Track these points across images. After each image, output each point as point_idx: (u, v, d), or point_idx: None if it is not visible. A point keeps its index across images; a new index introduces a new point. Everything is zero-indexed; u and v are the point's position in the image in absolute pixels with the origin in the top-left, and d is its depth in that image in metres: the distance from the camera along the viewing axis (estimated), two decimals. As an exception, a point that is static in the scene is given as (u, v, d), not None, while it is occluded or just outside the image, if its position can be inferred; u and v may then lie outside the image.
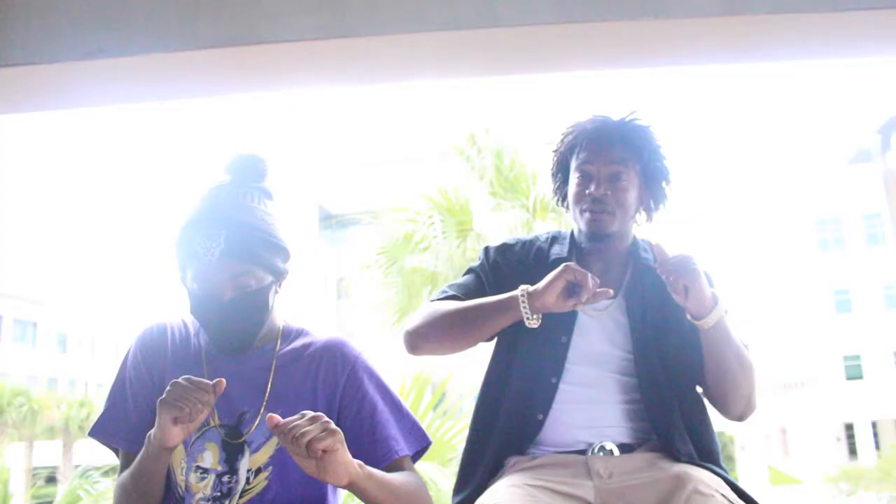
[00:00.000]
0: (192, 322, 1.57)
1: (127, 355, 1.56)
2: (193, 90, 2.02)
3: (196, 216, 1.43)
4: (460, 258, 7.92)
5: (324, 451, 1.21)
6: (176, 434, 1.30)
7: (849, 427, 31.88)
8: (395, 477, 1.43)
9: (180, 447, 1.42)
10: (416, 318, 1.69)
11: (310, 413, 1.24)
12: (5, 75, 1.92)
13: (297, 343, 1.53)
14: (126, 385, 1.52)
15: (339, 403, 1.49)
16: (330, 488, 1.50)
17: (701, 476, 1.53)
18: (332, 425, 1.23)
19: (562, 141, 1.78)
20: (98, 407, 31.37)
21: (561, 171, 1.79)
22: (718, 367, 1.61)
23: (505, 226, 8.52)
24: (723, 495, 1.48)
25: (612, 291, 1.54)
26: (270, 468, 1.43)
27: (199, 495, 1.42)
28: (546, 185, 9.15)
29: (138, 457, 1.38)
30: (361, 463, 1.32)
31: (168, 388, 1.29)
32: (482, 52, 1.93)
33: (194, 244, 1.41)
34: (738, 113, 39.63)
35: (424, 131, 30.90)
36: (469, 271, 1.81)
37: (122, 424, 1.49)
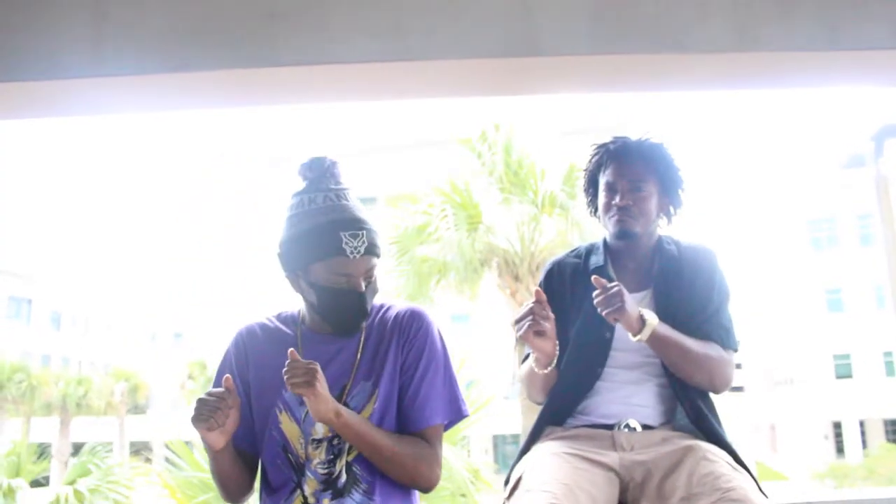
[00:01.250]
0: (276, 317, 1.82)
1: (222, 357, 1.81)
2: (266, 102, 2.29)
3: (337, 216, 1.66)
4: (469, 249, 8.23)
5: (304, 391, 1.54)
6: (215, 438, 1.59)
7: (837, 425, 32.15)
8: (386, 436, 1.67)
9: (294, 425, 1.69)
10: (525, 390, 2.10)
11: (304, 361, 1.57)
12: (101, 83, 2.18)
13: (380, 315, 1.77)
14: (217, 383, 1.74)
15: (403, 362, 1.73)
16: None
17: (709, 447, 1.85)
18: (314, 371, 1.55)
19: (590, 161, 2.10)
20: (97, 385, 31.50)
21: (591, 187, 2.11)
22: (667, 363, 1.93)
23: (513, 220, 8.86)
24: (727, 462, 1.78)
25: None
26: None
27: (316, 461, 1.68)
28: (553, 181, 9.53)
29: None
30: (344, 411, 1.61)
31: (194, 405, 1.57)
32: (522, 76, 2.21)
33: (339, 243, 1.63)
34: (738, 118, 39.87)
35: (424, 120, 31.07)
36: None
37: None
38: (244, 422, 1.69)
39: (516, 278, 9.41)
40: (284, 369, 1.56)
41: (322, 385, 1.56)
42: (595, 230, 9.68)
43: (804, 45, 2.06)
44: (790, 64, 2.14)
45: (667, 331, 1.89)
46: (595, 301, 1.85)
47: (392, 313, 1.78)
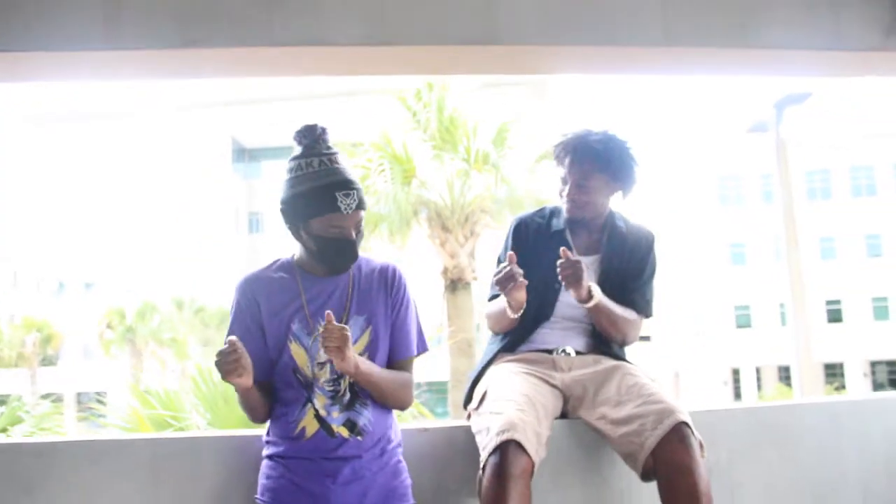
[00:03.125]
0: (274, 265, 2.16)
1: (233, 302, 2.11)
2: (264, 76, 2.60)
3: (333, 181, 1.99)
4: (404, 202, 8.68)
5: (335, 355, 1.92)
6: (245, 380, 1.95)
7: (735, 371, 34.00)
8: (387, 373, 2.10)
9: (302, 352, 2.06)
10: (487, 320, 2.54)
11: (338, 326, 1.92)
12: (120, 56, 2.47)
13: (364, 267, 2.17)
14: (235, 326, 2.08)
15: (390, 304, 2.14)
16: None
17: (631, 366, 2.39)
18: (346, 337, 1.90)
19: (554, 151, 2.52)
20: (7, 336, 30.60)
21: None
22: (595, 323, 2.43)
23: (444, 175, 9.34)
24: (647, 376, 2.30)
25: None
26: (366, 354, 2.09)
27: (322, 380, 2.07)
28: (484, 139, 10.07)
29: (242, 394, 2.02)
30: (361, 363, 2.00)
31: (218, 364, 1.90)
32: (483, 60, 2.62)
33: (335, 202, 1.97)
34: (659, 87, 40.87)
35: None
36: (497, 262, 2.51)
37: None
38: (261, 357, 2.06)
39: (445, 229, 9.92)
40: (321, 331, 1.92)
41: (349, 346, 1.93)
42: (522, 186, 10.26)
43: (723, 43, 2.54)
44: (706, 57, 2.61)
45: (605, 302, 2.36)
46: (559, 269, 2.29)
47: (375, 265, 2.17)
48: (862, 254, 33.92)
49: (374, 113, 10.36)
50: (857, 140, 33.06)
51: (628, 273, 2.47)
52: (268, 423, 2.15)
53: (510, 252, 2.32)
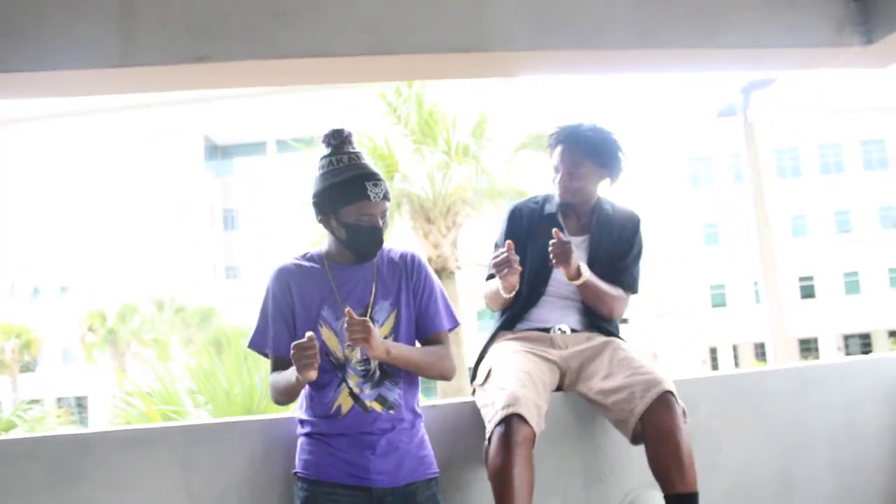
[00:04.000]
0: (304, 257, 2.35)
1: (268, 288, 2.30)
2: (272, 85, 2.79)
3: (362, 174, 2.20)
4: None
5: (362, 343, 2.12)
6: (312, 375, 2.11)
7: (713, 350, 34.40)
8: (420, 350, 2.32)
9: (333, 335, 2.25)
10: (483, 298, 2.75)
11: (359, 319, 2.11)
12: (135, 73, 2.66)
13: (386, 255, 2.34)
14: (269, 310, 2.28)
15: (412, 288, 2.33)
16: None
17: (621, 341, 2.64)
18: (369, 328, 2.08)
19: (547, 141, 2.75)
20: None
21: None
22: (584, 300, 2.66)
23: (425, 168, 9.60)
24: (636, 351, 2.53)
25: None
26: (392, 336, 2.27)
27: (353, 361, 2.26)
28: (463, 131, 10.33)
29: (288, 382, 2.17)
30: (392, 347, 2.20)
31: (293, 355, 2.07)
32: (474, 65, 2.85)
33: (365, 191, 2.18)
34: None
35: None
36: (494, 247, 2.74)
37: (279, 336, 2.26)
38: (290, 340, 2.23)
39: (428, 220, 10.18)
40: (345, 326, 2.10)
41: (374, 335, 2.12)
42: (501, 176, 10.52)
43: (688, 44, 2.79)
44: (676, 57, 2.86)
45: (592, 280, 2.59)
46: (550, 248, 2.51)
47: (397, 253, 2.37)
48: (832, 230, 34.53)
49: (353, 108, 10.58)
50: (822, 118, 33.61)
51: (616, 253, 2.70)
52: (297, 405, 2.35)
53: (508, 241, 2.52)
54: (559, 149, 2.69)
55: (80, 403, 34.13)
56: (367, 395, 2.24)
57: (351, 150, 2.27)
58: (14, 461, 2.41)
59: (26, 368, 33.84)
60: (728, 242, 33.53)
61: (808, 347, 32.80)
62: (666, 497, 2.31)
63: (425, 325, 2.35)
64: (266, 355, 2.34)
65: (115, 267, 36.42)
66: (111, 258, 36.70)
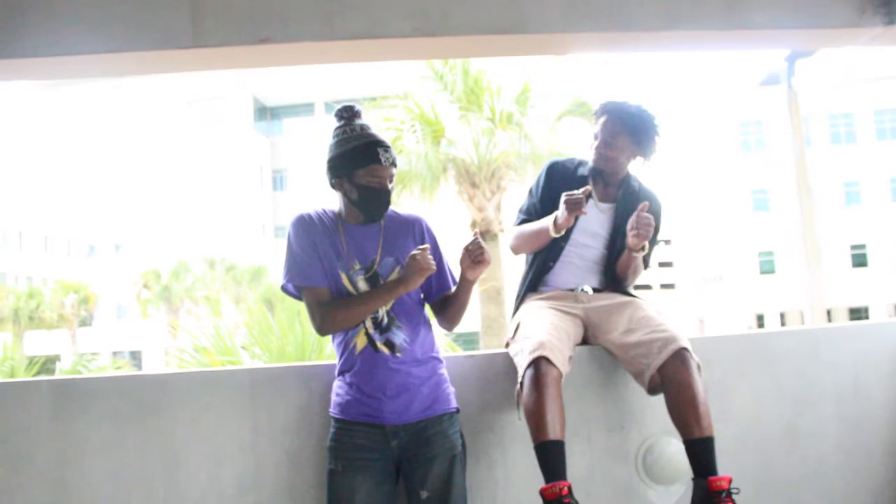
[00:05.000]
0: (322, 211, 2.56)
1: (293, 229, 2.52)
2: (327, 65, 3.07)
3: (374, 140, 2.45)
4: (435, 160, 9.21)
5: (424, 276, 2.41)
6: (421, 281, 2.43)
7: (759, 317, 34.14)
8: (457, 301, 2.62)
9: (348, 282, 2.49)
10: (510, 240, 3.00)
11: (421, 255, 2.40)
12: (204, 53, 2.96)
13: (393, 217, 2.57)
14: (304, 246, 2.48)
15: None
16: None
17: (642, 301, 2.86)
18: (429, 262, 2.40)
19: (594, 110, 2.98)
20: (48, 298, 31.50)
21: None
22: (622, 267, 2.89)
23: (471, 133, 9.88)
24: (656, 310, 2.77)
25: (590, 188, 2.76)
26: None
27: None
28: (507, 99, 10.56)
29: (372, 297, 2.46)
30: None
31: (408, 264, 2.42)
32: (511, 46, 3.10)
33: (376, 155, 2.43)
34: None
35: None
36: (529, 194, 3.01)
37: (315, 269, 2.49)
38: (323, 275, 2.49)
39: (473, 185, 10.48)
40: (413, 263, 2.43)
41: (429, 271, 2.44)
42: (542, 144, 10.73)
43: (707, 26, 3.01)
44: (700, 38, 3.07)
45: (640, 254, 2.83)
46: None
47: (403, 216, 2.61)
48: (886, 197, 33.84)
49: (401, 74, 10.85)
50: (878, 84, 32.76)
51: None
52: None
53: (586, 187, 2.73)
54: (603, 119, 2.91)
55: (135, 357, 35.35)
56: (378, 338, 2.49)
57: (360, 122, 2.52)
58: (105, 396, 2.76)
59: (83, 323, 35.10)
60: (778, 209, 33.08)
61: (858, 316, 32.39)
62: (685, 441, 2.50)
63: (441, 284, 2.62)
64: (293, 294, 2.57)
65: (168, 227, 37.27)
66: (163, 218, 37.56)
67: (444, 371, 2.60)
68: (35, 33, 2.98)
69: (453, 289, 2.63)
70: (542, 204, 2.95)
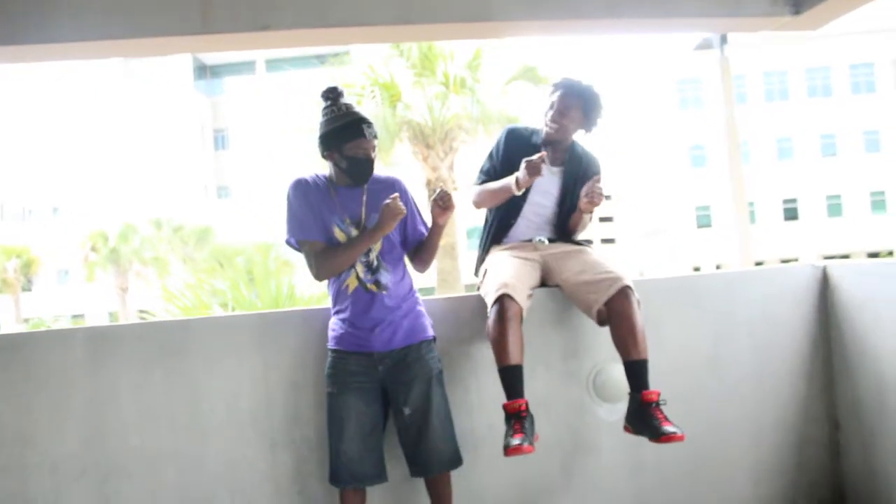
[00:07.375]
0: (315, 176, 2.93)
1: (292, 191, 2.88)
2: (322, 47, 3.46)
3: (358, 117, 2.84)
4: (391, 122, 9.71)
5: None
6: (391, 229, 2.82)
7: (696, 270, 35.15)
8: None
9: (342, 232, 2.87)
10: (473, 196, 3.42)
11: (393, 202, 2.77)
12: (211, 38, 3.37)
13: (375, 180, 2.95)
14: (302, 205, 2.85)
15: None
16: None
17: (588, 248, 3.34)
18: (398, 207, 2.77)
19: (551, 84, 3.42)
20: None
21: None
22: (574, 221, 3.34)
23: (425, 98, 10.38)
24: (605, 256, 3.27)
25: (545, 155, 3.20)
26: (381, 241, 2.89)
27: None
28: (460, 64, 10.99)
29: (356, 243, 2.83)
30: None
31: (383, 211, 2.83)
32: (482, 31, 3.57)
33: (362, 131, 2.83)
34: None
35: None
36: (489, 157, 3.47)
37: (311, 225, 2.86)
38: (322, 230, 2.87)
39: (427, 146, 10.99)
40: (386, 209, 2.79)
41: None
42: (493, 107, 11.25)
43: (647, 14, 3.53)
44: (639, 25, 3.59)
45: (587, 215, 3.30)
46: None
47: (383, 177, 3.00)
48: (817, 153, 34.94)
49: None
50: (811, 42, 33.66)
51: (581, 184, 3.26)
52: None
53: (542, 153, 3.12)
54: (559, 93, 3.33)
55: (77, 321, 34.76)
56: (368, 279, 2.89)
57: (345, 101, 2.89)
58: (127, 342, 3.07)
59: (25, 288, 34.45)
60: (714, 165, 33.89)
61: (788, 267, 33.32)
62: (625, 363, 2.91)
63: (413, 230, 3.02)
64: (294, 247, 2.93)
65: (108, 189, 36.45)
66: (104, 180, 36.68)
67: (422, 307, 3.00)
68: (56, 19, 3.34)
69: (426, 234, 3.03)
70: (502, 166, 3.36)
